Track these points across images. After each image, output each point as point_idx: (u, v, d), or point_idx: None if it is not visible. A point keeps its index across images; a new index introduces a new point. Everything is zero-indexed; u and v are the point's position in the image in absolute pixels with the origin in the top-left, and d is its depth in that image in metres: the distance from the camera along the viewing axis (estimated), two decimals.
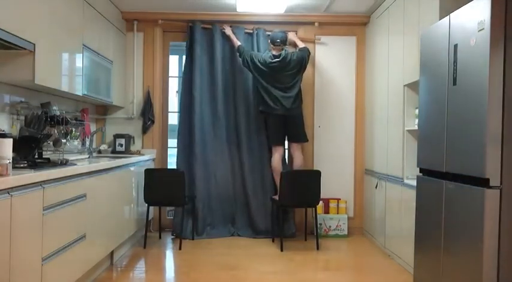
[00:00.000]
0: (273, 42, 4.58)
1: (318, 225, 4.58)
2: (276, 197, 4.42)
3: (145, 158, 4.54)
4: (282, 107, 4.52)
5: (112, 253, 3.72)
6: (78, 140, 3.96)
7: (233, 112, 4.84)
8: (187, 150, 4.80)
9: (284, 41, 4.59)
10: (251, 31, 4.84)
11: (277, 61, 4.52)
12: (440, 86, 2.68)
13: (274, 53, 4.57)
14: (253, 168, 4.80)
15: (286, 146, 4.83)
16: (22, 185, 2.16)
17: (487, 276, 2.22)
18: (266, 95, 4.55)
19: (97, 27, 3.97)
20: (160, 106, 5.00)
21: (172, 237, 4.69)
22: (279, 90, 4.53)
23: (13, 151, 2.28)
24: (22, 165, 2.53)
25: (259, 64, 4.54)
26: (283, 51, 4.57)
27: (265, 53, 4.64)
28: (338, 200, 4.91)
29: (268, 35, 4.74)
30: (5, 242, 2.02)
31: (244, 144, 4.79)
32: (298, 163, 4.65)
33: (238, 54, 4.70)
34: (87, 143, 4.36)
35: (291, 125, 4.63)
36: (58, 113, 3.47)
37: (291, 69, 4.56)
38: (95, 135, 4.64)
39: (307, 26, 4.87)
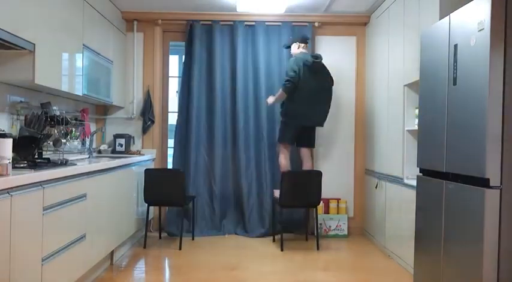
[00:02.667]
0: (306, 40, 4.45)
1: (318, 225, 4.58)
2: (276, 192, 4.41)
3: (145, 158, 4.54)
4: (316, 119, 4.45)
5: (112, 253, 3.72)
6: (78, 140, 3.96)
7: (231, 111, 4.84)
8: (184, 149, 4.81)
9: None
10: (253, 23, 4.81)
11: (319, 61, 4.41)
12: (440, 86, 2.68)
13: (309, 53, 4.49)
14: (251, 167, 4.80)
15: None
16: (22, 185, 2.16)
17: (487, 276, 2.22)
18: (304, 106, 4.33)
19: (97, 27, 3.97)
20: (160, 106, 5.00)
21: (165, 235, 4.72)
22: (315, 101, 4.38)
23: (13, 151, 2.28)
24: (22, 165, 2.53)
25: (303, 68, 4.29)
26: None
27: (299, 57, 4.36)
28: (338, 200, 4.91)
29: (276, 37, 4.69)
30: (5, 242, 2.02)
31: (242, 143, 4.79)
32: (308, 167, 4.58)
33: (291, 84, 4.26)
34: (87, 143, 4.36)
35: (309, 131, 4.56)
36: (58, 113, 3.47)
37: (326, 78, 4.47)
38: (95, 135, 4.64)
39: (307, 26, 4.86)
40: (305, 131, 4.52)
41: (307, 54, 4.42)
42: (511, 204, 2.23)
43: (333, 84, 4.53)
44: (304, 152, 4.62)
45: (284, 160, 4.52)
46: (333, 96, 4.58)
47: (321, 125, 4.57)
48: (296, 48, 4.49)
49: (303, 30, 4.61)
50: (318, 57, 4.42)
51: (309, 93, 4.33)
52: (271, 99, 4.51)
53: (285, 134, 4.54)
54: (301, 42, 4.48)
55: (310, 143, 4.61)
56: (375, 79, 4.59)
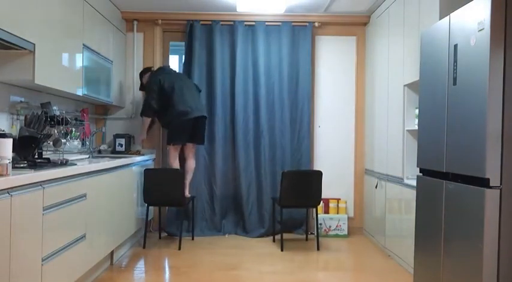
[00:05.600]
0: (147, 69, 4.69)
1: (318, 225, 4.58)
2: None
3: (145, 158, 4.54)
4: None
5: (112, 253, 3.72)
6: (78, 140, 3.96)
7: (231, 110, 4.84)
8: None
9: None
10: (253, 23, 4.82)
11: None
12: (440, 86, 2.68)
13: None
14: (251, 167, 4.80)
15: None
16: (22, 185, 2.16)
17: (487, 276, 2.22)
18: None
19: (97, 27, 3.97)
20: None
21: (164, 235, 4.73)
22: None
23: (13, 151, 2.28)
24: (22, 165, 2.53)
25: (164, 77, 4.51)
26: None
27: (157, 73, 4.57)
28: (338, 200, 4.91)
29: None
30: (5, 242, 2.02)
31: (242, 142, 4.79)
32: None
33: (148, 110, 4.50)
34: (87, 143, 4.36)
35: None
36: (58, 113, 3.47)
37: None
38: (95, 135, 4.64)
39: (307, 26, 4.86)
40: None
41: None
42: (511, 204, 2.23)
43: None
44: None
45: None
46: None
47: None
48: (148, 76, 4.59)
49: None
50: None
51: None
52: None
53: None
54: (147, 71, 4.62)
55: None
56: (375, 79, 4.59)
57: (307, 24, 4.86)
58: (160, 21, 4.85)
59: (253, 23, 4.83)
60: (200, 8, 4.67)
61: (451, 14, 2.59)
